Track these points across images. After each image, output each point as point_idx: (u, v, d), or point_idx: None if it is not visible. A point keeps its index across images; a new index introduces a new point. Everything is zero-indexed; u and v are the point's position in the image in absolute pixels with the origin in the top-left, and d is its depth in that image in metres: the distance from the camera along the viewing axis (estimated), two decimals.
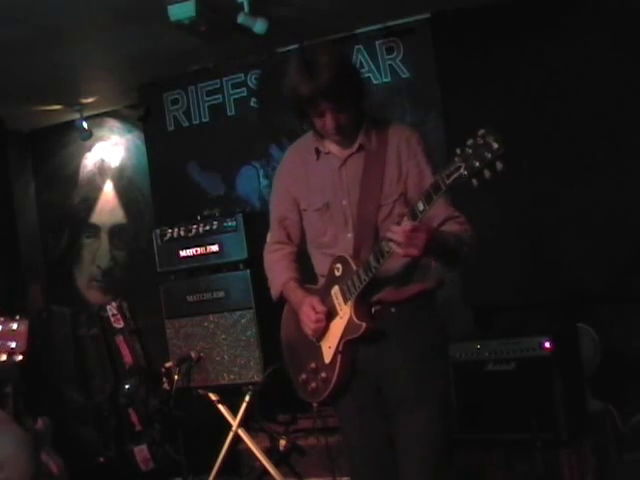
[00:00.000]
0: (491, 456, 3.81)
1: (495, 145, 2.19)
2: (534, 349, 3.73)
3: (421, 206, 2.36)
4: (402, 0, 4.58)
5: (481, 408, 3.81)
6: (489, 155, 2.19)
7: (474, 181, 2.23)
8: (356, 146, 2.66)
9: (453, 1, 4.59)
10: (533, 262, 4.54)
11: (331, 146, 2.69)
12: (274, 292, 2.84)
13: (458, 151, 2.25)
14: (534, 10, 4.47)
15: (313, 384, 2.71)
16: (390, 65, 4.97)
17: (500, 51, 4.61)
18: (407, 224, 2.38)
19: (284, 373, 2.89)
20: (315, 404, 2.82)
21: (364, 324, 2.57)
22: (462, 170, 2.24)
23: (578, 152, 4.40)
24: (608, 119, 4.34)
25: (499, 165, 2.20)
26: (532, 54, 4.51)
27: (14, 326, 3.59)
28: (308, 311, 2.66)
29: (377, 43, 4.99)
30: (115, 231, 6.16)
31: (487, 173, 2.21)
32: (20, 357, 3.60)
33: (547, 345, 3.70)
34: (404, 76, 4.95)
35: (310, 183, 2.72)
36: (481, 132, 2.23)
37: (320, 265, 2.77)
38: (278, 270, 2.83)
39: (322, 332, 2.66)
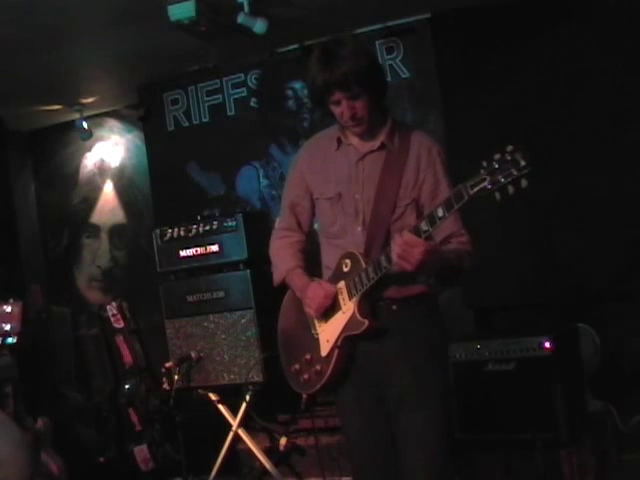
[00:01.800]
0: (491, 456, 3.81)
1: (522, 163, 2.21)
2: (534, 349, 3.73)
3: (441, 212, 2.39)
4: (402, 0, 4.58)
5: (481, 408, 3.80)
6: (515, 172, 2.22)
7: (497, 195, 2.26)
8: (378, 143, 2.68)
9: (453, 1, 4.59)
10: (533, 262, 4.54)
11: (353, 139, 2.71)
12: (277, 277, 2.85)
13: (484, 164, 2.27)
14: (534, 10, 4.47)
15: (306, 375, 2.72)
16: (390, 65, 4.97)
17: (500, 51, 4.61)
18: (406, 235, 2.41)
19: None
20: (305, 396, 2.82)
21: (366, 322, 2.58)
22: (486, 183, 2.26)
23: (578, 152, 4.41)
24: (608, 118, 4.35)
25: (524, 183, 2.22)
26: (532, 54, 4.51)
27: (7, 309, 3.59)
28: (316, 288, 2.67)
29: (377, 43, 4.99)
30: (115, 231, 6.16)
31: (511, 189, 2.24)
32: (15, 339, 3.59)
33: (547, 345, 3.70)
34: (404, 76, 4.96)
35: (326, 172, 2.74)
36: (509, 148, 2.24)
37: (328, 256, 2.78)
38: (284, 257, 2.85)
39: (320, 322, 2.68)
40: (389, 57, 4.98)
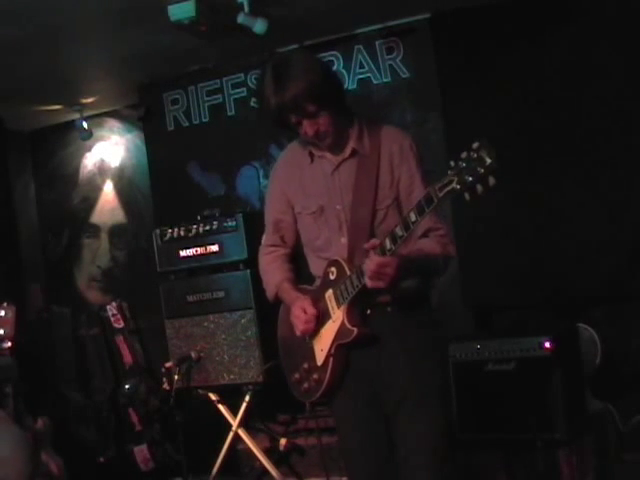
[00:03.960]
0: (491, 456, 3.81)
1: (488, 160, 2.16)
2: (534, 349, 3.73)
3: (413, 217, 2.38)
4: (402, 0, 4.58)
5: (481, 408, 3.80)
6: (481, 170, 2.17)
7: (466, 195, 2.22)
8: (349, 151, 2.66)
9: (453, 1, 4.59)
10: (533, 262, 4.53)
11: (324, 151, 2.69)
12: (269, 293, 2.87)
13: (452, 164, 2.24)
14: (534, 10, 4.46)
15: (306, 384, 2.72)
16: (390, 65, 4.97)
17: (500, 51, 4.60)
18: (375, 259, 2.41)
19: (282, 371, 2.90)
20: (308, 403, 2.83)
21: (355, 329, 2.58)
22: (455, 184, 2.23)
23: (577, 152, 4.40)
24: (606, 120, 4.34)
25: (491, 180, 2.18)
26: (532, 54, 4.50)
27: (1, 313, 3.58)
28: (298, 313, 2.68)
29: (377, 43, 4.99)
30: (115, 231, 6.16)
31: (480, 188, 2.19)
32: (9, 344, 3.59)
33: (547, 345, 3.69)
34: (404, 76, 4.95)
35: (304, 186, 2.73)
36: (475, 145, 2.20)
37: (315, 267, 2.79)
38: (272, 271, 2.86)
39: (313, 333, 2.68)
40: (389, 57, 4.97)
